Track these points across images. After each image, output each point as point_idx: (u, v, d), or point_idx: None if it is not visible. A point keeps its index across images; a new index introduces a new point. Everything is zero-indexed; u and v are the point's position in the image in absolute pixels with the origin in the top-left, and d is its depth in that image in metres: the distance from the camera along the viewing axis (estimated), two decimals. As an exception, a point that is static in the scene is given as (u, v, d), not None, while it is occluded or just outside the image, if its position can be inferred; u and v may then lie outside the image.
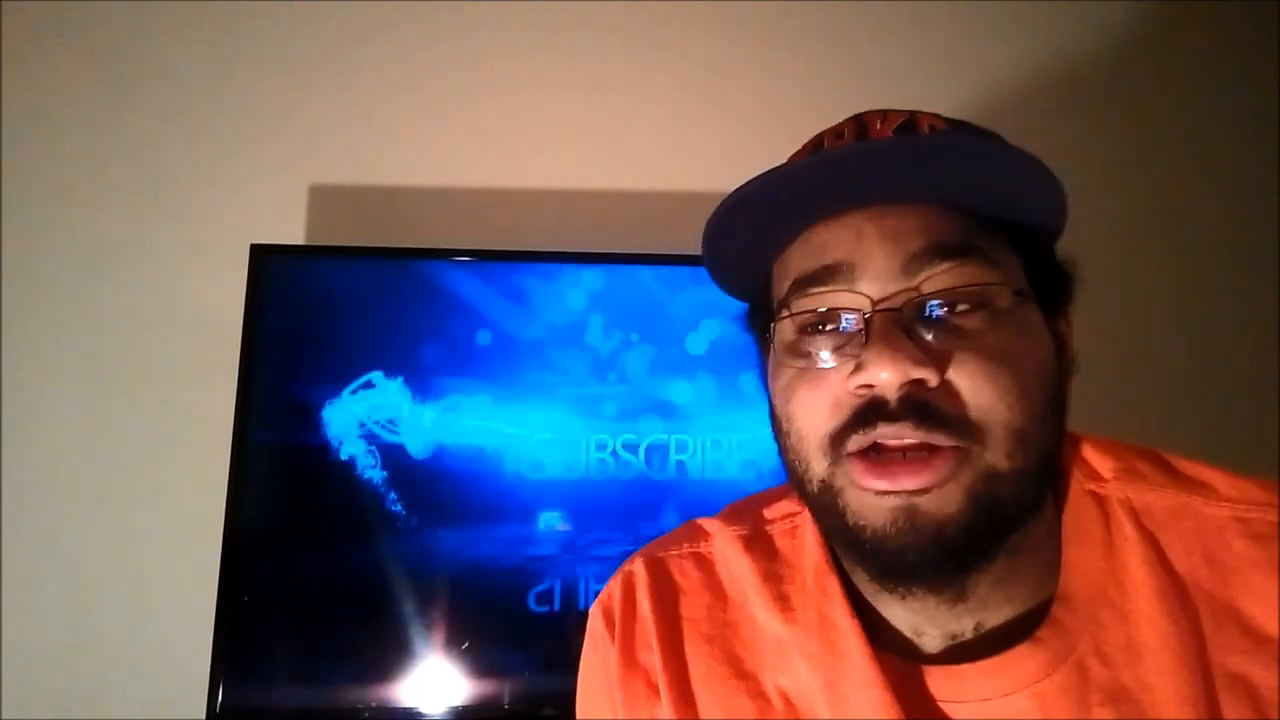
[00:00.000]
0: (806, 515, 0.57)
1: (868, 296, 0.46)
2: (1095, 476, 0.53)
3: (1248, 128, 1.37)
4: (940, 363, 0.44)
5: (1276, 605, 0.46)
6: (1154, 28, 1.39)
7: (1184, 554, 0.49)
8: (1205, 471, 0.51)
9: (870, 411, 0.45)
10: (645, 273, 1.17)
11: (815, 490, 0.48)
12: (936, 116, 0.50)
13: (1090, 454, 0.54)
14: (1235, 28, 1.39)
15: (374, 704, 1.05)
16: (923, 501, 0.44)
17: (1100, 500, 0.51)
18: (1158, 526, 0.50)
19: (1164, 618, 0.47)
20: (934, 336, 0.45)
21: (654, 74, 1.34)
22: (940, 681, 0.49)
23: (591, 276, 1.17)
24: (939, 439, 0.43)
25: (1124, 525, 0.50)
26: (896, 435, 0.44)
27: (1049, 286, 0.50)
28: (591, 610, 0.61)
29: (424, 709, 1.05)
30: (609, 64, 1.34)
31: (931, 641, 0.50)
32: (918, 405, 0.44)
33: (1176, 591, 0.48)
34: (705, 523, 0.62)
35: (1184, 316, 1.32)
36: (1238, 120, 1.38)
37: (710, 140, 1.33)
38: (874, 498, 0.45)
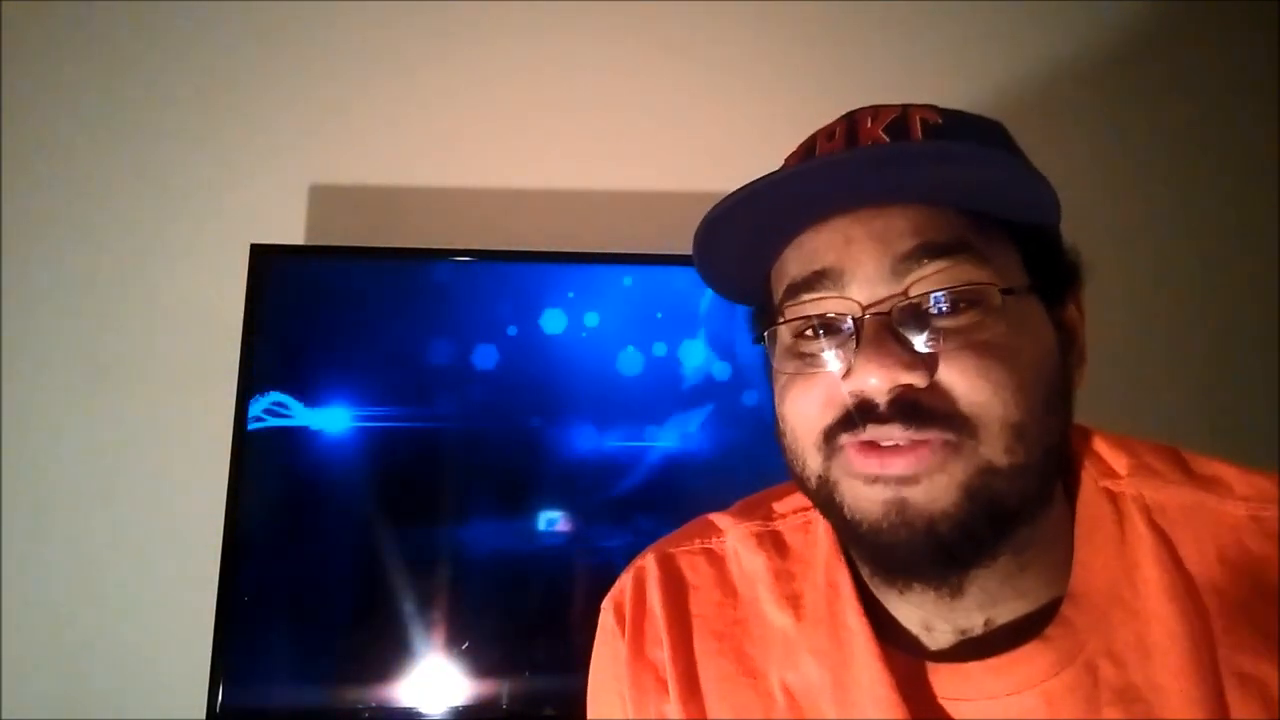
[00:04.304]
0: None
1: (857, 301, 0.46)
2: (1109, 473, 0.52)
3: (1248, 126, 1.37)
4: (930, 364, 0.44)
5: None
6: (1155, 27, 1.39)
7: (1196, 552, 0.48)
8: (1220, 469, 0.51)
9: (860, 414, 0.45)
10: (646, 273, 1.17)
11: (814, 486, 0.49)
12: (931, 109, 0.50)
13: (1103, 449, 0.53)
14: (1235, 27, 1.39)
15: (374, 704, 1.05)
16: (913, 494, 0.44)
17: (1114, 497, 0.51)
18: (1171, 524, 0.49)
19: (1175, 617, 0.46)
20: (925, 338, 0.45)
21: (655, 74, 1.34)
22: (948, 679, 0.49)
23: (592, 277, 1.17)
24: (929, 435, 0.44)
25: (1137, 523, 0.50)
26: (886, 436, 0.44)
27: (1052, 277, 0.50)
28: (603, 605, 0.61)
29: (424, 709, 1.05)
30: (610, 64, 1.34)
31: (941, 637, 0.50)
32: (907, 406, 0.44)
33: (1188, 590, 0.47)
34: (717, 518, 0.62)
35: (1185, 314, 1.32)
36: (1238, 118, 1.37)
37: (711, 140, 1.32)
38: (866, 488, 0.45)
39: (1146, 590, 0.48)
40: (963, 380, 0.44)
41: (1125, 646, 0.47)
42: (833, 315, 0.47)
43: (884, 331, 0.45)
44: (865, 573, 0.53)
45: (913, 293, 0.45)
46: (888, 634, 0.51)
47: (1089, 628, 0.47)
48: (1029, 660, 0.47)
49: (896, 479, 0.44)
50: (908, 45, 1.37)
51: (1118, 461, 0.52)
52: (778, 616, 0.55)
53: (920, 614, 0.50)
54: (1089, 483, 0.52)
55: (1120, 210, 1.34)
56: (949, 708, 0.48)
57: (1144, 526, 0.49)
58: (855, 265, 0.46)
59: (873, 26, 1.37)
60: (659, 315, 1.16)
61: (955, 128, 0.50)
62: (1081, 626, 0.47)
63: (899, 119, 0.49)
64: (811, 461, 0.48)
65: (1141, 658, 0.46)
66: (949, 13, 1.37)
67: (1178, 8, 1.39)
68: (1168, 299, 1.33)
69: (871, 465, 0.45)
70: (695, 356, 1.16)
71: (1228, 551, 0.48)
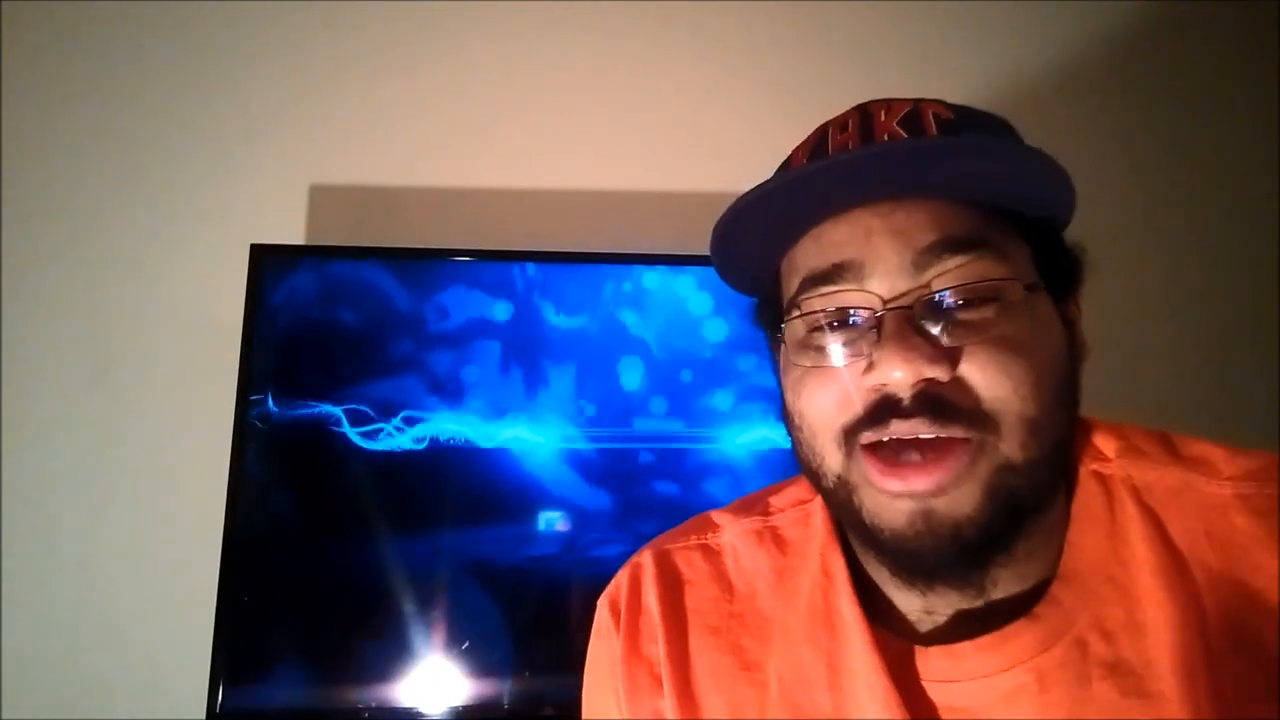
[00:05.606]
0: (817, 502, 0.57)
1: (878, 295, 0.46)
2: (1100, 457, 0.53)
3: (1248, 126, 1.37)
4: (953, 358, 0.44)
5: (1277, 578, 0.46)
6: (1154, 27, 1.39)
7: (1185, 531, 0.49)
8: (1207, 449, 0.52)
9: (883, 409, 0.45)
10: (646, 273, 1.17)
11: (831, 485, 0.48)
12: (940, 104, 0.50)
13: (1098, 437, 0.54)
14: (1235, 27, 1.39)
15: (374, 704, 1.05)
16: (939, 504, 0.44)
17: (1103, 479, 0.52)
18: (1159, 504, 0.50)
19: (1165, 593, 0.47)
20: (946, 332, 0.45)
21: (655, 74, 1.34)
22: (940, 661, 0.49)
23: (592, 277, 1.17)
24: (954, 431, 0.44)
25: (1126, 503, 0.50)
26: (911, 431, 0.44)
27: (1058, 273, 0.50)
28: (599, 602, 0.61)
29: (424, 709, 1.05)
30: (610, 64, 1.34)
31: (939, 618, 0.51)
32: (931, 401, 0.44)
33: (1178, 568, 0.48)
34: (715, 515, 0.62)
35: (1185, 311, 1.32)
36: (1238, 118, 1.37)
37: (711, 140, 1.33)
38: (889, 499, 0.45)
39: (1136, 568, 0.48)
40: (984, 376, 0.44)
41: (1116, 622, 0.47)
42: (853, 308, 0.47)
43: (906, 325, 0.45)
44: (871, 564, 0.53)
45: (934, 287, 0.45)
46: (884, 618, 0.51)
47: (1079, 605, 0.48)
48: (1017, 637, 0.47)
49: (923, 493, 0.44)
50: (907, 45, 1.37)
51: (1107, 445, 0.53)
52: (778, 611, 0.55)
53: (923, 601, 0.51)
54: (1082, 468, 0.53)
55: (1119, 209, 1.34)
56: (942, 689, 0.48)
57: (1133, 506, 0.50)
58: (876, 259, 0.46)
59: (872, 26, 1.37)
60: (659, 316, 1.16)
61: (965, 122, 0.50)
62: (1071, 604, 0.48)
63: (912, 113, 0.49)
64: (830, 460, 0.48)
65: (1132, 633, 0.47)
66: (949, 12, 1.37)
67: (1178, 8, 1.39)
68: (1167, 297, 1.33)
69: (894, 483, 0.45)
70: (696, 358, 1.16)
71: (1215, 529, 0.48)
